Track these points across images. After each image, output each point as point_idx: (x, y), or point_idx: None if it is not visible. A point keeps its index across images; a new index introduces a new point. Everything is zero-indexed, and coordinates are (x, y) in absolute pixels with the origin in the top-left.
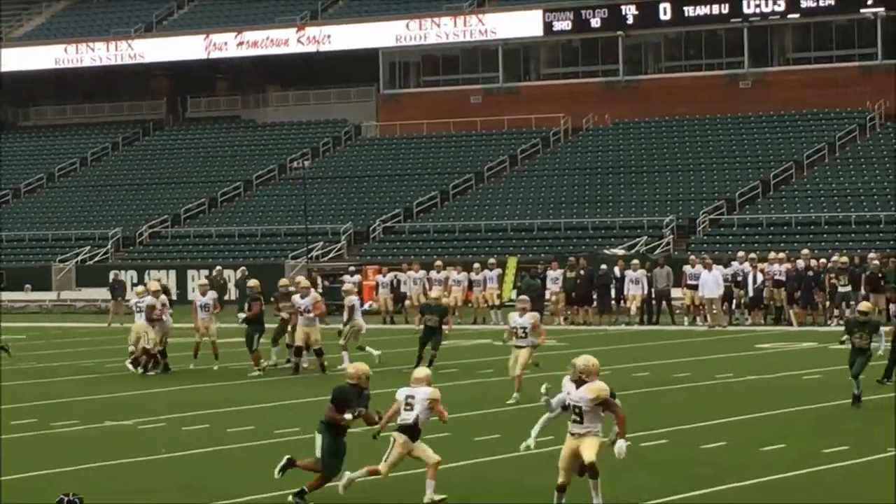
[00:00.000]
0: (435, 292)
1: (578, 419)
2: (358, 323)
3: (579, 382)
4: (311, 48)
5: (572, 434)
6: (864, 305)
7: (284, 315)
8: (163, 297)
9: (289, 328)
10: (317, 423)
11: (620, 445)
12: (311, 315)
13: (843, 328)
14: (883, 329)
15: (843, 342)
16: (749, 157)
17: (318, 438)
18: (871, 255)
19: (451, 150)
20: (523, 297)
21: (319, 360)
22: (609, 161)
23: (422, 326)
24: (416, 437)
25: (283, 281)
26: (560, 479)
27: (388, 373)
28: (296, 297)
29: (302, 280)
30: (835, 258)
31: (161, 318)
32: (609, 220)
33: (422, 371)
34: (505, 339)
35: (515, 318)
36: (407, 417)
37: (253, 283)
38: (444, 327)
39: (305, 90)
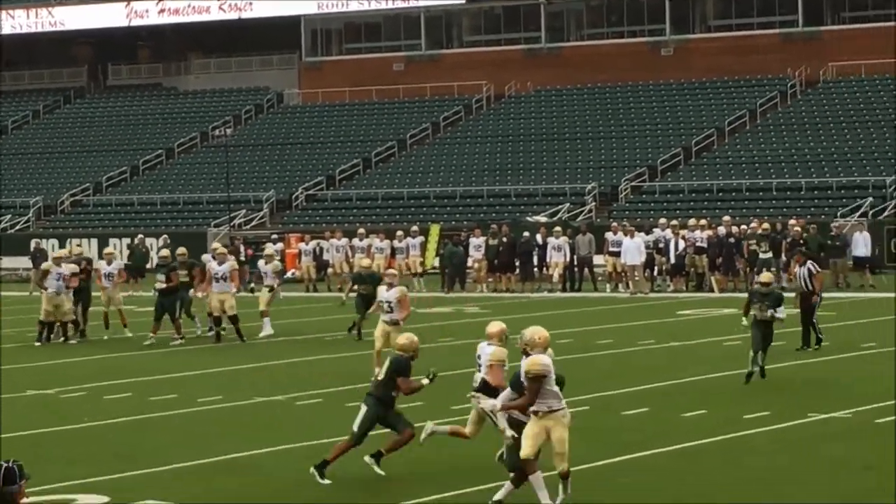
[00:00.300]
0: (366, 261)
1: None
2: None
3: (526, 355)
4: (233, 15)
5: (535, 412)
6: (764, 276)
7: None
8: (71, 266)
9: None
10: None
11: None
12: (233, 290)
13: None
14: (782, 308)
15: (745, 325)
16: (671, 124)
17: (363, 409)
18: (792, 221)
19: (373, 118)
20: (391, 270)
21: (236, 327)
22: (531, 128)
23: (353, 295)
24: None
25: (179, 250)
26: (525, 451)
27: (301, 341)
28: (212, 264)
29: (218, 246)
30: (754, 224)
31: (72, 285)
32: (531, 187)
33: (494, 326)
34: (373, 310)
35: (383, 292)
36: (477, 378)
37: (164, 253)
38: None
39: (227, 57)
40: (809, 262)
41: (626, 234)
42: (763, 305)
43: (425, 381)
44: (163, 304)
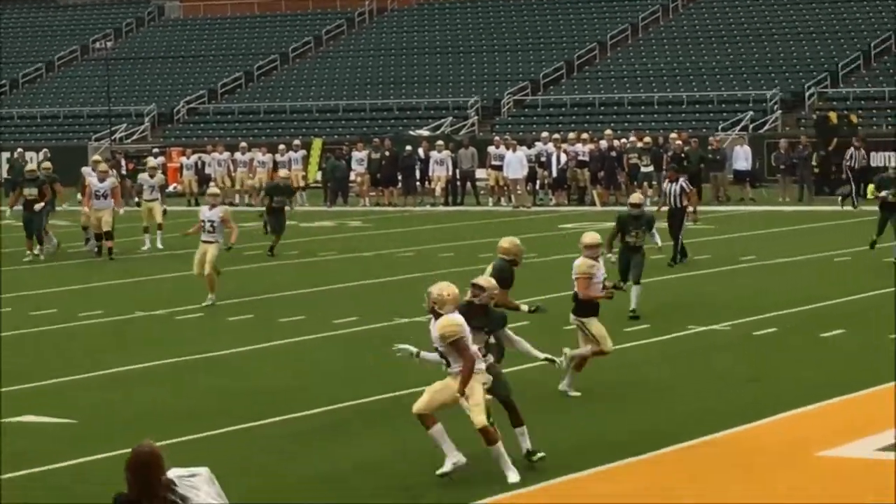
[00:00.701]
0: (283, 172)
1: (445, 361)
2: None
3: (435, 315)
4: None
5: (449, 373)
6: (634, 197)
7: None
8: None
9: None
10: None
11: (466, 406)
12: (120, 210)
13: (614, 225)
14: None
15: (612, 247)
16: (553, 37)
17: None
18: (673, 135)
19: (255, 31)
20: (214, 189)
21: (108, 244)
22: (414, 42)
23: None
24: (590, 314)
25: (44, 164)
26: (417, 406)
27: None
28: (93, 180)
29: (100, 161)
30: (633, 138)
31: None
32: (414, 101)
33: (589, 236)
34: (191, 231)
35: (205, 211)
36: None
37: (31, 167)
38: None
39: None
40: (682, 178)
41: (508, 148)
42: (640, 232)
43: (524, 308)
44: (31, 220)
